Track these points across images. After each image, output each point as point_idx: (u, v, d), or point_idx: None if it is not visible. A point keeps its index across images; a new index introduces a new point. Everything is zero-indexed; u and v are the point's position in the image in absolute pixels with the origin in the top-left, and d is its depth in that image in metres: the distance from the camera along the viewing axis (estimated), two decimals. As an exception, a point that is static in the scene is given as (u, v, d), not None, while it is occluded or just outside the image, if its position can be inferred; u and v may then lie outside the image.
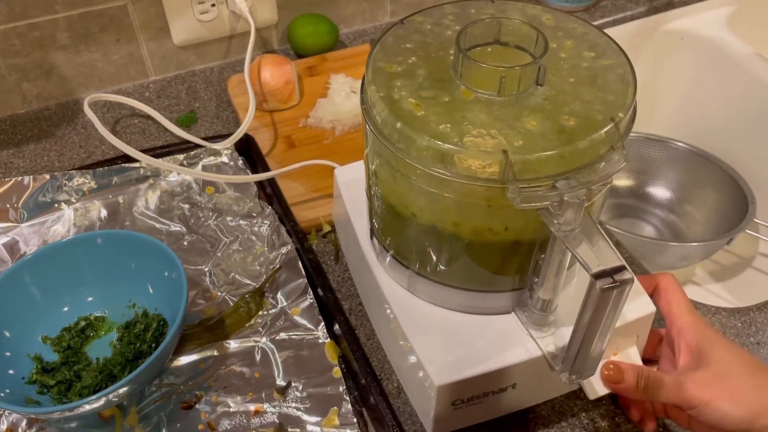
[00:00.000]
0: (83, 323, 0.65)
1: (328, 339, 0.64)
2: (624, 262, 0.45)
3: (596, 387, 0.54)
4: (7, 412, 0.60)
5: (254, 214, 0.75)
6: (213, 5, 0.92)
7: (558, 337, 0.54)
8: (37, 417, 0.59)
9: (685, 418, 0.55)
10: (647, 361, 0.59)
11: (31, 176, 0.76)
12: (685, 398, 0.50)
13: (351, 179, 0.66)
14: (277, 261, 0.70)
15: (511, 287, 0.54)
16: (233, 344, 0.64)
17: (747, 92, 1.00)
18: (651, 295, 0.57)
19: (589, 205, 0.49)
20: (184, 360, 0.63)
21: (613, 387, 0.53)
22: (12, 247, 0.72)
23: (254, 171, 0.80)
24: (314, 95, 0.90)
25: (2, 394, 0.57)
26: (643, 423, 0.57)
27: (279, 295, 0.68)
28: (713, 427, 0.50)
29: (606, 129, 0.45)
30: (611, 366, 0.53)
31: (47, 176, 0.76)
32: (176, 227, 0.74)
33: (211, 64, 0.99)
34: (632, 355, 0.57)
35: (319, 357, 0.63)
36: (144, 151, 0.74)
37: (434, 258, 0.53)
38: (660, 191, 1.04)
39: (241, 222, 0.75)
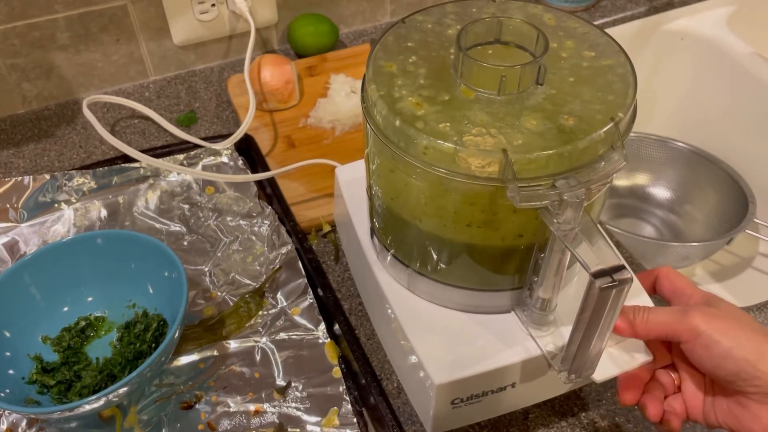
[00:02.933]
0: (83, 323, 0.65)
1: (328, 339, 0.64)
2: (623, 262, 0.45)
3: (599, 373, 0.54)
4: (7, 412, 0.60)
5: (254, 214, 0.75)
6: (213, 5, 0.92)
7: (557, 336, 0.54)
8: (37, 417, 0.59)
9: (701, 379, 0.53)
10: None
11: (31, 176, 0.76)
12: (690, 325, 0.48)
13: (352, 178, 0.66)
14: (277, 261, 0.70)
15: (511, 286, 0.54)
16: (233, 344, 0.64)
17: (747, 92, 1.00)
18: (651, 288, 0.57)
19: (589, 204, 0.49)
20: (184, 360, 0.63)
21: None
22: (12, 247, 0.72)
23: (254, 171, 0.80)
24: (314, 95, 0.90)
25: (2, 394, 0.57)
26: (643, 407, 0.56)
27: (279, 295, 0.68)
28: (714, 368, 0.48)
29: (606, 129, 0.45)
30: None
31: (47, 176, 0.76)
32: (176, 227, 0.74)
33: (211, 64, 0.99)
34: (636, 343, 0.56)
35: (319, 357, 0.63)
36: (144, 151, 0.74)
37: (434, 257, 0.53)
38: (660, 191, 1.04)
39: (241, 222, 0.75)
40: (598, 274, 0.44)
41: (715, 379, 0.51)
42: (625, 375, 0.55)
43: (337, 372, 0.61)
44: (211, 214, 0.75)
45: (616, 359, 0.55)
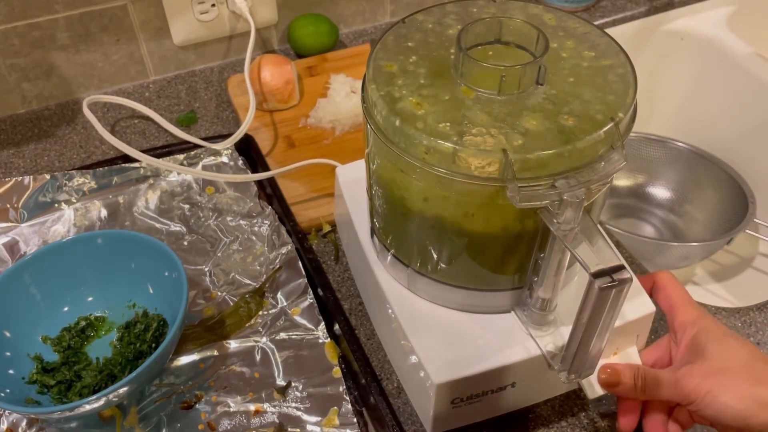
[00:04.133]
0: (83, 323, 0.65)
1: (328, 339, 0.64)
2: (623, 262, 0.45)
3: (596, 387, 0.54)
4: (7, 412, 0.60)
5: (254, 214, 0.75)
6: (213, 5, 0.92)
7: (557, 336, 0.54)
8: (37, 417, 0.59)
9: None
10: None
11: (31, 176, 0.76)
12: (684, 393, 0.50)
13: (352, 178, 0.66)
14: (277, 261, 0.70)
15: (511, 286, 0.54)
16: (233, 344, 0.64)
17: (747, 92, 1.00)
18: (650, 293, 0.57)
19: (589, 204, 0.49)
20: (184, 360, 0.63)
21: (611, 390, 0.53)
22: (12, 247, 0.72)
23: (254, 171, 0.80)
24: (314, 95, 0.90)
25: (2, 394, 0.57)
26: None
27: (279, 295, 0.68)
28: (714, 422, 0.50)
29: (606, 129, 0.45)
30: (608, 370, 0.53)
31: (47, 176, 0.76)
32: (176, 227, 0.74)
33: (211, 64, 0.99)
34: (632, 355, 0.57)
35: (319, 357, 0.63)
36: (144, 151, 0.74)
37: (434, 256, 0.54)
38: (660, 191, 1.04)
39: (241, 222, 0.75)
40: (597, 274, 0.44)
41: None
42: (623, 400, 0.55)
43: (337, 372, 0.61)
44: (211, 214, 0.75)
45: None
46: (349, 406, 0.59)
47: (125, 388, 0.55)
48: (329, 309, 0.66)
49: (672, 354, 0.56)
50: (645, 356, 0.57)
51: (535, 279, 0.52)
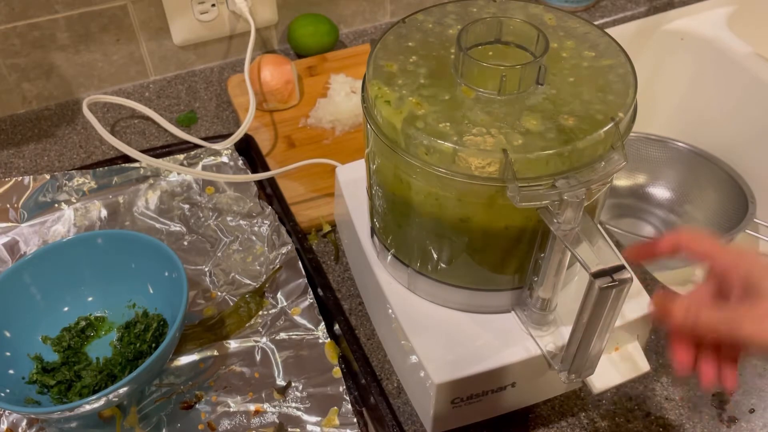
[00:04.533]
0: (83, 323, 0.65)
1: (328, 339, 0.64)
2: (623, 262, 0.45)
3: (598, 382, 0.54)
4: (7, 412, 0.60)
5: (254, 214, 0.75)
6: (213, 5, 0.92)
7: (557, 336, 0.54)
8: (37, 417, 0.59)
9: None
10: None
11: (31, 176, 0.76)
12: (743, 336, 0.46)
13: (352, 178, 0.66)
14: (277, 261, 0.70)
15: (511, 286, 0.54)
16: (233, 344, 0.64)
17: (747, 92, 1.00)
18: (671, 254, 0.52)
19: (589, 204, 0.49)
20: (184, 360, 0.63)
21: (661, 317, 0.49)
22: (12, 247, 0.72)
23: (254, 171, 0.80)
24: (314, 95, 0.90)
25: (2, 394, 0.57)
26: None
27: (279, 295, 0.68)
28: None
29: (606, 129, 0.45)
30: (661, 299, 0.49)
31: (47, 176, 0.76)
32: (176, 227, 0.74)
33: (211, 64, 0.99)
34: (633, 352, 0.56)
35: (319, 357, 0.63)
36: (144, 151, 0.74)
37: (434, 256, 0.54)
38: (660, 191, 1.04)
39: (241, 222, 0.75)
40: (598, 274, 0.44)
41: None
42: (677, 337, 0.50)
43: (337, 372, 0.61)
44: (211, 214, 0.75)
45: (617, 366, 0.56)
46: (349, 406, 0.59)
47: (125, 388, 0.55)
48: (329, 309, 0.66)
49: (713, 299, 0.51)
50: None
51: (535, 279, 0.52)
